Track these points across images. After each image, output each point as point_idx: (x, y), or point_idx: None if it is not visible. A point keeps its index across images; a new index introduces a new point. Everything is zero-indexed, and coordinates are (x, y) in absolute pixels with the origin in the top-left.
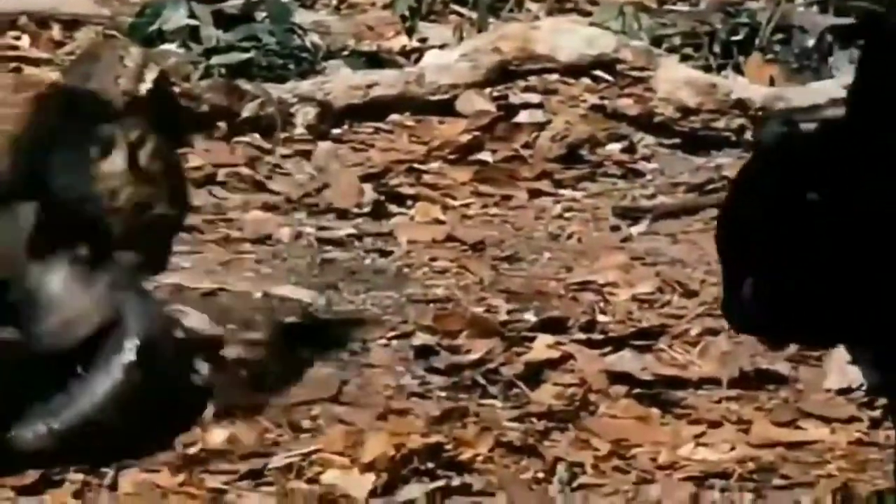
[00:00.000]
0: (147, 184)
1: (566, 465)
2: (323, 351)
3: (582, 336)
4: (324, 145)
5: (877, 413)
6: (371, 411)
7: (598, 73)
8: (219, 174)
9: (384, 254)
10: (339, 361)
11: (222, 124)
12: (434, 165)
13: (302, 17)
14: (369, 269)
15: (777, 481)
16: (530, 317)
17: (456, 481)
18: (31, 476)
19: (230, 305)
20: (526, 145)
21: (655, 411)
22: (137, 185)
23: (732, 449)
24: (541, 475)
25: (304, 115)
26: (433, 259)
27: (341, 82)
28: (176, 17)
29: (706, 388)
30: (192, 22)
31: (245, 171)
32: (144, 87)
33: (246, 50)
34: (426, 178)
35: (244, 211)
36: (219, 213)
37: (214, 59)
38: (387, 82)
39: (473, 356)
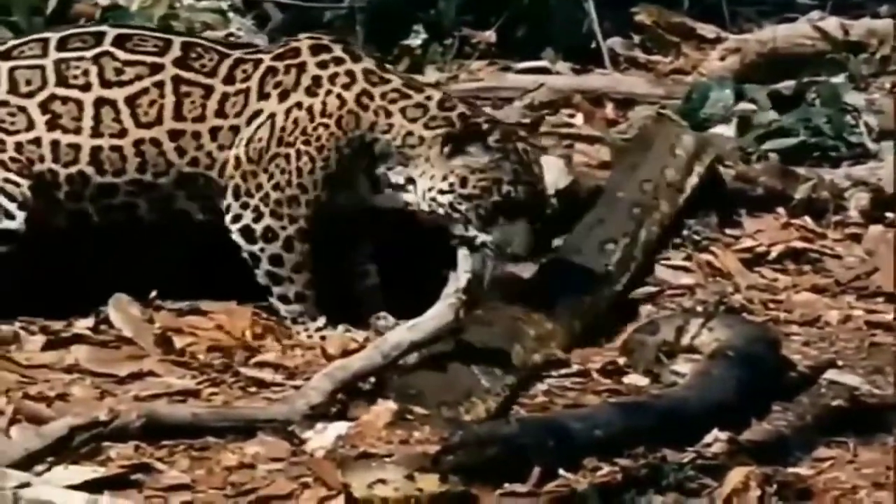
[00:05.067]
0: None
1: None
2: (867, 434)
3: None
4: (875, 229)
5: None
6: None
7: None
8: (770, 253)
9: None
10: (884, 446)
11: (780, 209)
12: None
13: (854, 98)
14: None
15: None
16: None
17: None
18: None
19: None
20: None
21: None
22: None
23: None
24: None
25: (858, 200)
26: None
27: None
28: (723, 99)
29: None
30: (747, 106)
31: (796, 252)
32: (691, 180)
33: (797, 133)
34: None
35: (794, 292)
36: (768, 293)
37: (767, 144)
38: None
39: None
